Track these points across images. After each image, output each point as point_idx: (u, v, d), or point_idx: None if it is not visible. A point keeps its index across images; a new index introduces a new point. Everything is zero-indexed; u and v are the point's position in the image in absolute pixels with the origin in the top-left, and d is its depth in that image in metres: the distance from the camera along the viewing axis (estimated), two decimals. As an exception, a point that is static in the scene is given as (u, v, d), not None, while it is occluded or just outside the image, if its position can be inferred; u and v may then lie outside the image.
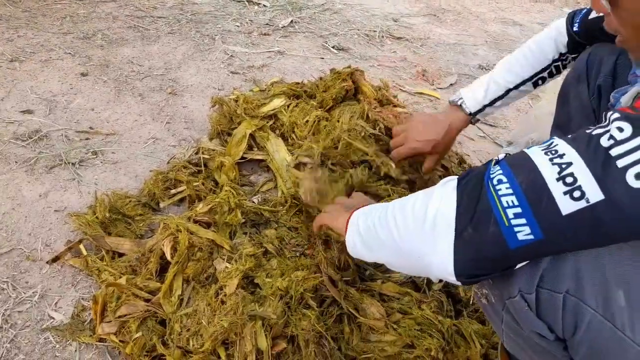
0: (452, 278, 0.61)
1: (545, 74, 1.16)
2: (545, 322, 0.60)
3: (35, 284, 1.08)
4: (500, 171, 0.58)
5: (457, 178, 0.63)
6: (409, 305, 1.04)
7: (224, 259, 1.07)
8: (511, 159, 0.60)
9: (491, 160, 0.61)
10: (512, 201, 0.55)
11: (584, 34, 1.08)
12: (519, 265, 0.59)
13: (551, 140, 0.57)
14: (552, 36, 1.13)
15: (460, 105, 1.20)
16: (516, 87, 1.16)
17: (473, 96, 1.19)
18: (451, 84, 2.18)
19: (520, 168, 0.57)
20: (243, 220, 1.21)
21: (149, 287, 1.04)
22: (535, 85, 1.18)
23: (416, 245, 0.64)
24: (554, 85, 1.88)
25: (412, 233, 0.64)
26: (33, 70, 1.82)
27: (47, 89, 1.73)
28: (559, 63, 1.15)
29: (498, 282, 0.63)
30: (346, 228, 0.82)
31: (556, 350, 0.62)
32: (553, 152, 0.55)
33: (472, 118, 1.21)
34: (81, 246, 1.15)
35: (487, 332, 1.02)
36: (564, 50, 1.13)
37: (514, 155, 0.60)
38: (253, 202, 1.30)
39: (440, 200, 0.62)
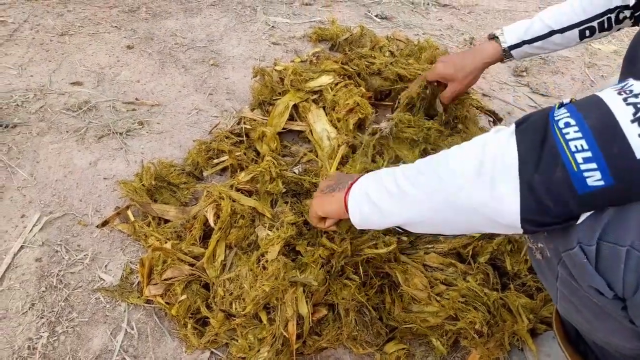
0: (517, 225, 0.57)
1: (595, 24, 1.06)
2: (604, 278, 0.55)
3: (86, 247, 1.13)
4: (568, 114, 0.53)
5: (515, 122, 0.58)
6: (453, 276, 1.01)
7: (265, 227, 1.07)
8: (579, 101, 0.54)
9: (554, 105, 0.56)
10: (582, 145, 0.50)
11: None
12: (583, 217, 0.54)
13: (626, 81, 0.52)
14: None
15: (498, 37, 1.16)
16: (561, 30, 1.09)
17: (514, 30, 1.14)
18: (500, 53, 2.07)
19: (590, 110, 0.52)
20: (284, 190, 1.21)
21: (193, 252, 1.06)
22: (582, 35, 1.08)
23: (472, 196, 0.59)
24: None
25: (465, 185, 0.59)
26: (82, 43, 1.86)
27: (95, 61, 1.77)
28: (613, 15, 1.04)
29: (555, 234, 0.59)
30: (345, 203, 0.78)
31: (614, 310, 0.57)
32: (628, 91, 0.50)
33: (506, 53, 1.16)
34: (129, 212, 1.19)
35: (534, 306, 0.98)
36: (624, 3, 1.02)
37: (582, 98, 0.55)
38: (294, 172, 1.29)
39: (497, 147, 0.57)
